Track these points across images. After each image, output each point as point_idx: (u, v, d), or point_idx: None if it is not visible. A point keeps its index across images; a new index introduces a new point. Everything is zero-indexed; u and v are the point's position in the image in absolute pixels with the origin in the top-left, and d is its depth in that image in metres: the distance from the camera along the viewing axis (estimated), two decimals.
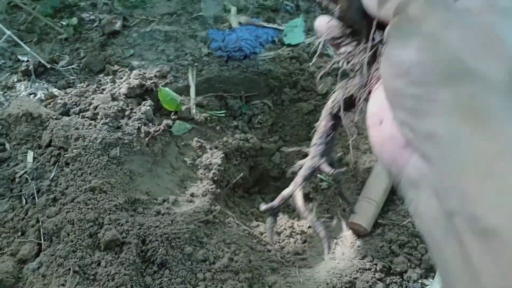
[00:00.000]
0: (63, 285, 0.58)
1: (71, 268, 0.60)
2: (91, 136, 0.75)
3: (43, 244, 0.64)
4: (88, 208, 0.66)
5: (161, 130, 0.83)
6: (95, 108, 0.82)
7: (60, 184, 0.71)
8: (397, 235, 0.77)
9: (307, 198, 0.96)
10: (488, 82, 0.23)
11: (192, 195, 0.80)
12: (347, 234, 0.83)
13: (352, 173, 0.92)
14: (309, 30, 1.17)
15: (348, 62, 0.36)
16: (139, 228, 0.65)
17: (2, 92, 0.86)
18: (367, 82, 0.34)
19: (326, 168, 0.45)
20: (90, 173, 0.72)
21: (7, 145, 0.78)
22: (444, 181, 0.22)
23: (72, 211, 0.66)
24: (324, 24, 0.35)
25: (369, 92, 0.34)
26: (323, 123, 0.43)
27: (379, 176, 0.84)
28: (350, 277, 0.72)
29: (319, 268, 0.76)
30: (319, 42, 0.39)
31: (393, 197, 0.84)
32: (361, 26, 0.35)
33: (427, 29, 0.25)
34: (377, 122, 0.30)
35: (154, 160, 0.81)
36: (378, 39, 0.33)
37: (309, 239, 0.85)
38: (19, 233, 0.66)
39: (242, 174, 0.94)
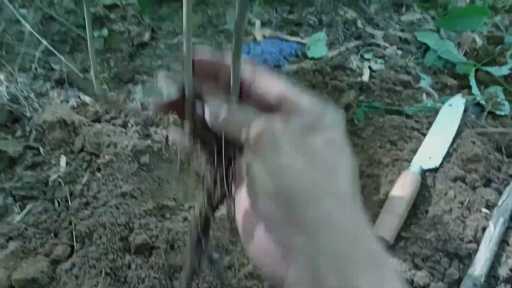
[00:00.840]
0: (95, 286, 0.60)
1: (103, 270, 0.62)
2: (122, 143, 0.78)
3: (75, 246, 0.66)
4: (119, 213, 0.69)
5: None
6: (126, 116, 0.85)
7: (92, 188, 0.73)
8: (420, 249, 0.77)
9: None
10: (339, 196, 0.29)
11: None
12: None
13: (374, 186, 0.93)
14: (332, 44, 1.19)
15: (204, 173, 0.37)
16: (168, 233, 0.67)
17: (36, 99, 0.89)
18: (227, 194, 0.35)
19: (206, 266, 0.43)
20: (121, 179, 0.74)
21: (42, 150, 0.81)
22: None
23: (104, 215, 0.68)
24: (177, 136, 0.37)
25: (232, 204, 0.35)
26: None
27: (402, 189, 0.85)
28: None
29: None
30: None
31: (416, 210, 0.84)
32: (210, 140, 0.37)
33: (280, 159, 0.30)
34: (249, 236, 0.33)
35: (181, 167, 0.83)
36: (230, 152, 0.36)
37: None
38: (52, 235, 0.69)
39: None
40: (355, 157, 0.33)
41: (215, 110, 0.35)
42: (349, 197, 0.30)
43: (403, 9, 1.36)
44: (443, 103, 1.01)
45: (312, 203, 0.29)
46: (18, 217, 0.73)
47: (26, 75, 0.98)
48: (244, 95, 0.35)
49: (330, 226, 0.28)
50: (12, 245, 0.66)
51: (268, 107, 0.34)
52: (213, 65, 0.36)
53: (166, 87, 0.36)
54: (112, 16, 1.16)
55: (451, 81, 1.10)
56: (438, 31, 1.25)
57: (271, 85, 0.35)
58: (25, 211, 0.74)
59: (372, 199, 0.92)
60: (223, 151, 0.36)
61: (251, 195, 0.32)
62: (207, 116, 0.35)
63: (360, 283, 0.26)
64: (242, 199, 0.34)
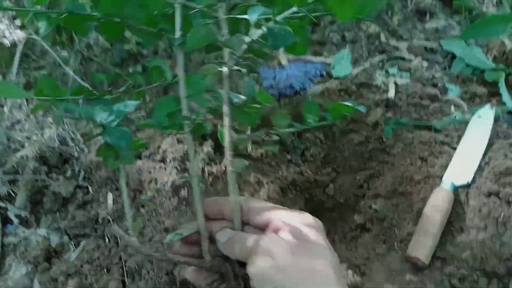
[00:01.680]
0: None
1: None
2: (162, 179, 0.83)
3: (126, 281, 0.72)
4: (163, 247, 0.74)
5: (223, 169, 0.90)
6: (164, 151, 0.90)
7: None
8: (457, 269, 0.78)
9: (363, 228, 0.98)
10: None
11: None
12: (406, 265, 0.84)
13: (407, 204, 0.94)
14: (356, 60, 1.21)
15: None
16: None
17: (83, 140, 0.96)
18: None
19: None
20: (162, 214, 0.80)
21: (90, 189, 0.88)
22: None
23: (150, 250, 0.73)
24: (196, 275, 0.55)
25: None
26: None
27: (434, 208, 0.86)
28: None
29: None
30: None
31: (450, 228, 0.85)
32: (226, 269, 0.51)
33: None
34: None
35: None
36: (241, 273, 0.51)
37: (367, 271, 0.88)
38: (105, 270, 0.75)
39: (298, 207, 0.99)
40: (334, 254, 0.49)
41: (222, 239, 0.51)
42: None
43: (427, 16, 1.35)
44: (472, 114, 1.00)
45: None
46: (74, 255, 0.80)
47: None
48: (244, 222, 0.52)
49: None
50: (71, 282, 0.72)
51: (262, 228, 0.51)
52: (218, 207, 0.54)
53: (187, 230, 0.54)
54: (145, 52, 1.23)
55: (481, 90, 1.09)
56: None
57: (260, 212, 0.51)
58: (79, 248, 0.80)
59: (406, 217, 0.93)
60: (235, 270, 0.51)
61: None
62: (219, 245, 0.51)
63: None
64: None
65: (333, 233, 1.00)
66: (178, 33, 0.52)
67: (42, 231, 0.84)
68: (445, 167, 0.93)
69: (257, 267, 0.45)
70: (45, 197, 0.88)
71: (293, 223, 0.49)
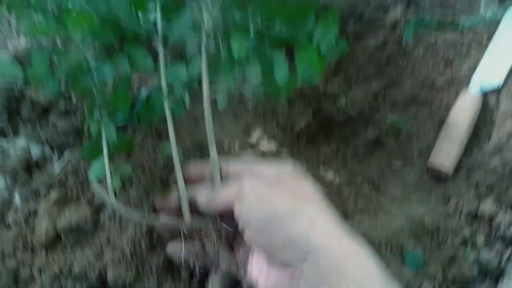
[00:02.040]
0: (140, 228, 0.58)
1: (146, 211, 0.59)
2: None
3: (116, 191, 0.64)
4: (156, 154, 0.65)
5: None
6: None
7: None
8: (484, 177, 0.70)
9: (377, 143, 0.90)
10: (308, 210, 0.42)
11: (257, 140, 0.77)
12: (426, 178, 0.77)
13: (427, 114, 0.85)
14: None
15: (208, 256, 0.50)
16: None
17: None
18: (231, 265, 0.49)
19: None
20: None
21: (73, 96, 0.78)
22: None
23: (142, 155, 0.65)
24: (177, 249, 0.52)
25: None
26: None
27: (461, 113, 0.76)
28: (432, 224, 0.67)
29: (396, 214, 0.71)
30: None
31: (477, 136, 0.76)
32: (207, 226, 0.50)
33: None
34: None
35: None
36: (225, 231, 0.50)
37: (382, 186, 0.80)
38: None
39: (305, 120, 0.90)
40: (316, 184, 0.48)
41: (203, 196, 0.50)
42: (323, 208, 0.44)
43: None
44: (505, 11, 0.88)
45: (289, 219, 0.39)
46: (57, 167, 0.71)
47: None
48: (223, 180, 0.50)
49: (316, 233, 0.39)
50: (54, 194, 0.65)
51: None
52: (198, 170, 0.55)
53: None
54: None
55: None
56: None
57: (238, 166, 0.51)
58: (62, 159, 0.72)
59: (426, 128, 0.84)
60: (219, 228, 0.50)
61: (247, 234, 0.43)
62: (200, 203, 0.50)
63: None
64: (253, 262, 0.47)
65: (344, 149, 0.91)
66: None
67: (21, 142, 0.75)
68: (472, 70, 0.82)
69: (243, 203, 0.43)
70: (23, 106, 0.78)
71: (272, 169, 0.49)
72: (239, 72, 0.64)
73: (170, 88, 0.58)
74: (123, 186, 0.64)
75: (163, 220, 0.52)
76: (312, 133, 0.90)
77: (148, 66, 0.60)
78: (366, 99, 0.91)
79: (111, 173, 0.55)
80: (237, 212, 0.44)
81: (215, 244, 0.49)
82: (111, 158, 0.58)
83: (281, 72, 0.53)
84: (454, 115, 0.77)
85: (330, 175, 0.81)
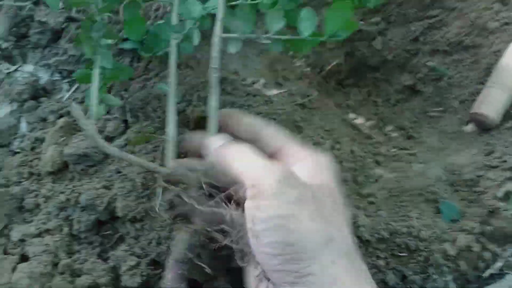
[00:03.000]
0: (152, 161, 0.53)
1: (160, 145, 0.55)
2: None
3: (129, 121, 0.59)
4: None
5: None
6: None
7: None
8: None
9: (412, 90, 0.82)
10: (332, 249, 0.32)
11: (284, 78, 0.70)
12: (467, 127, 0.70)
13: (473, 59, 0.76)
14: None
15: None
16: (231, 107, 0.58)
17: None
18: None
19: None
20: None
21: None
22: None
23: (156, 85, 0.59)
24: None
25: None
26: None
27: None
28: (472, 175, 0.61)
29: (432, 163, 0.65)
30: None
31: None
32: (189, 179, 0.44)
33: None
34: None
35: None
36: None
37: (416, 134, 0.74)
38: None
39: (337, 61, 0.82)
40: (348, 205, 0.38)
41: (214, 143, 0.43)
42: (348, 247, 0.33)
43: None
44: None
45: (314, 255, 0.31)
46: (67, 94, 0.67)
47: None
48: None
49: (330, 279, 0.30)
50: (61, 122, 0.60)
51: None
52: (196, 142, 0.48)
53: None
54: None
55: None
56: None
57: (272, 135, 0.43)
58: (74, 87, 0.67)
59: (469, 75, 0.76)
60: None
61: (253, 245, 0.34)
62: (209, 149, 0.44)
63: None
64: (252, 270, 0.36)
65: (375, 95, 0.84)
66: None
67: (29, 67, 0.70)
68: None
69: (260, 207, 0.33)
70: (31, 29, 0.72)
71: (312, 159, 0.39)
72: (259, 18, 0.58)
73: (181, 22, 0.52)
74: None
75: (140, 161, 0.47)
76: (342, 76, 0.83)
77: None
78: (405, 42, 0.82)
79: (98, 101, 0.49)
80: (248, 211, 0.35)
81: (194, 196, 0.42)
82: (105, 87, 0.53)
83: (307, 23, 0.46)
84: (507, 58, 0.68)
85: (360, 121, 0.74)
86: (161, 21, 0.63)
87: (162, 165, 0.48)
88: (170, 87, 0.50)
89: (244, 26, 0.48)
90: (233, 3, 0.49)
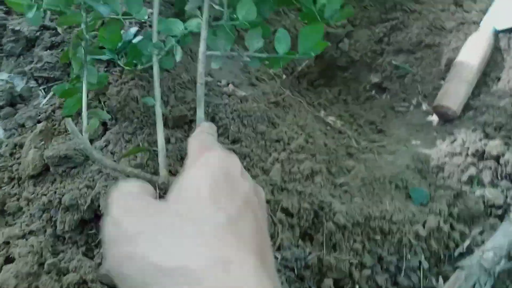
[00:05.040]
0: (133, 160, 0.54)
1: (140, 144, 0.56)
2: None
3: (107, 123, 0.60)
4: (138, 102, 0.61)
5: None
6: None
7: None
8: (493, 117, 0.67)
9: (379, 87, 0.87)
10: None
11: (257, 79, 0.73)
12: (431, 119, 0.74)
13: (434, 57, 0.81)
14: None
15: None
16: (207, 106, 0.60)
17: None
18: None
19: None
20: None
21: (59, 30, 0.72)
22: None
23: (135, 88, 0.60)
24: None
25: None
26: None
27: (470, 53, 0.73)
28: (438, 162, 0.65)
29: (401, 153, 0.68)
30: None
31: (486, 77, 0.73)
32: None
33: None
34: None
35: None
36: None
37: (385, 128, 0.78)
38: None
39: (307, 62, 0.86)
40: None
41: None
42: None
43: None
44: None
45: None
46: (43, 100, 0.67)
47: None
48: None
49: None
50: (40, 127, 0.60)
51: None
52: None
53: None
54: None
55: None
56: None
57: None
58: (50, 93, 0.67)
59: (432, 71, 0.81)
60: None
61: None
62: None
63: None
64: None
65: (345, 94, 0.88)
66: None
67: (4, 75, 0.70)
68: (484, 12, 0.78)
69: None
70: (5, 38, 0.72)
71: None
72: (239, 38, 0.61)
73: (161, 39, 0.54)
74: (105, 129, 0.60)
75: (135, 172, 0.48)
76: (313, 76, 0.87)
77: (142, 14, 0.55)
78: (370, 43, 0.87)
79: (87, 115, 0.50)
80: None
81: None
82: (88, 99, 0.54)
83: (282, 43, 0.50)
84: (464, 54, 0.73)
85: (331, 118, 0.77)
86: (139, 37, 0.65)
87: (154, 173, 0.50)
88: (156, 100, 0.51)
89: (225, 45, 0.51)
90: (214, 23, 0.52)
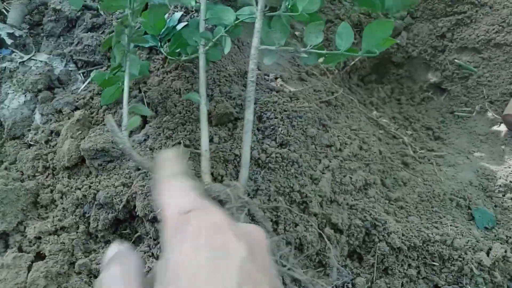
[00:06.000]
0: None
1: (181, 142, 0.52)
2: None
3: (148, 116, 0.56)
4: (180, 94, 0.56)
5: None
6: None
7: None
8: None
9: (437, 88, 0.79)
10: None
11: (307, 73, 0.67)
12: (498, 129, 0.67)
13: (504, 58, 0.73)
14: None
15: None
16: (254, 103, 0.55)
17: None
18: None
19: None
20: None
21: (101, 11, 0.69)
22: None
23: (178, 79, 0.56)
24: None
25: None
26: None
27: None
28: (506, 180, 0.58)
29: (463, 166, 0.62)
30: None
31: None
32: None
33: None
34: None
35: None
36: None
37: (443, 135, 0.71)
38: (121, 104, 0.59)
39: (359, 57, 0.79)
40: None
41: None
42: None
43: None
44: None
45: None
46: (82, 85, 0.64)
47: None
48: None
49: None
50: (78, 115, 0.57)
51: None
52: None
53: None
54: None
55: None
56: None
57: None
58: (88, 78, 0.64)
59: (501, 74, 0.72)
60: None
61: None
62: None
63: None
64: None
65: (398, 93, 0.81)
66: None
67: (43, 56, 0.67)
68: None
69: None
70: (46, 17, 0.70)
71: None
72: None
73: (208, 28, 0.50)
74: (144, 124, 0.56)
75: None
76: (364, 72, 0.80)
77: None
78: (431, 38, 0.79)
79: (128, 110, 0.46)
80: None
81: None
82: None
83: (344, 38, 0.44)
84: None
85: (384, 120, 0.71)
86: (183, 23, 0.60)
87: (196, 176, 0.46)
88: (201, 97, 0.47)
89: (281, 38, 0.46)
90: (269, 14, 0.47)
